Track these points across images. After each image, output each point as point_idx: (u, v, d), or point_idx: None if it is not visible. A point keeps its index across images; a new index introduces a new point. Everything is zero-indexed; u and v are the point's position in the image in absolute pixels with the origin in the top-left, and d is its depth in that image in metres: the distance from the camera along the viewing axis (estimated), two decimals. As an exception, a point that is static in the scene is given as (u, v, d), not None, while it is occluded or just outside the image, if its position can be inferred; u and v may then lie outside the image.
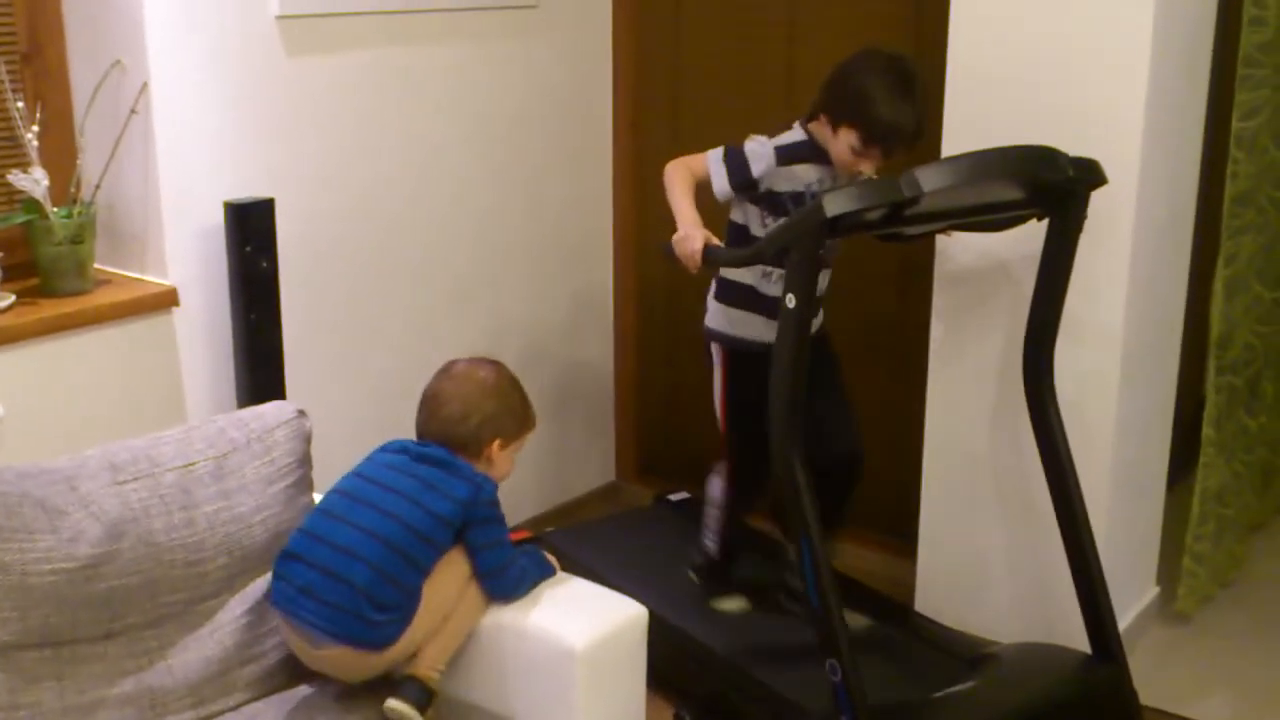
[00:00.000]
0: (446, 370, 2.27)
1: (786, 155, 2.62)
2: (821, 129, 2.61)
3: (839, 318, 2.91)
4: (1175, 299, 3.03)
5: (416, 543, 2.07)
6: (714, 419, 2.89)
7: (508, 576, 2.15)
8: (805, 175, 2.63)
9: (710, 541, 2.97)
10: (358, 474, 2.18)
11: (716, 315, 2.80)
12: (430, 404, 2.23)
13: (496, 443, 2.21)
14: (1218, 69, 2.99)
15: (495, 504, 2.16)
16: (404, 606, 2.06)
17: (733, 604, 2.97)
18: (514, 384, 2.29)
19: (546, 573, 2.22)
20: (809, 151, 2.63)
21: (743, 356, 2.77)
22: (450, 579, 2.12)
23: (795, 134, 2.65)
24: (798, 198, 2.63)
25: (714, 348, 2.83)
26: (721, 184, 2.62)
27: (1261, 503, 3.60)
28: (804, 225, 2.28)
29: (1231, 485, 3.26)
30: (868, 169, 2.58)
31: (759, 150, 2.61)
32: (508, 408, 2.25)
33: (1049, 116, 2.67)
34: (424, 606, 2.08)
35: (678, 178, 2.63)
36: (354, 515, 2.09)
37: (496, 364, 2.30)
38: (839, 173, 2.64)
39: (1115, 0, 2.58)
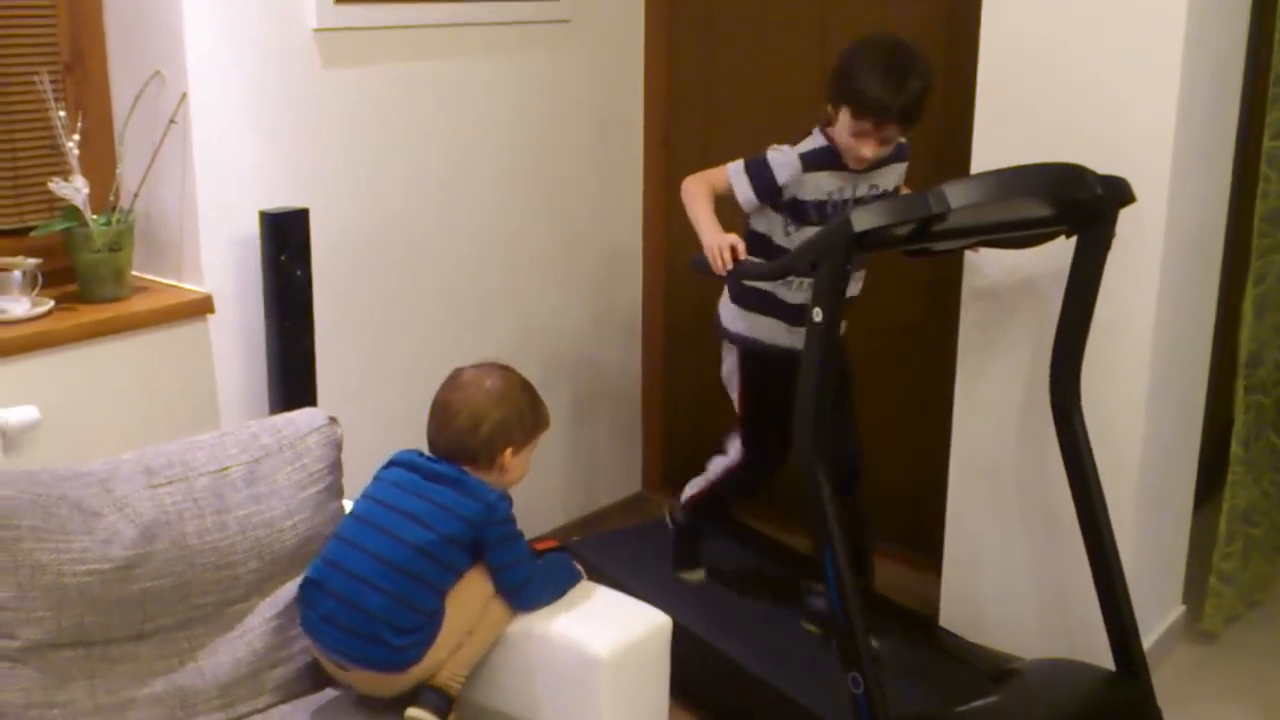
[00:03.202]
0: (454, 379, 2.24)
1: (811, 162, 2.62)
2: (834, 125, 2.61)
3: (866, 331, 2.91)
4: (1204, 317, 3.02)
5: (430, 565, 2.08)
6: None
7: (530, 590, 2.16)
8: (827, 183, 2.63)
9: (696, 489, 3.01)
10: (371, 497, 2.18)
11: (733, 317, 2.81)
12: (440, 415, 2.21)
13: (509, 450, 2.20)
14: (1249, 88, 2.99)
15: (510, 521, 2.15)
16: (425, 628, 2.07)
17: (695, 575, 3.08)
18: (523, 387, 2.25)
19: (574, 579, 2.23)
20: (830, 158, 2.63)
21: (757, 356, 2.79)
22: (474, 596, 2.12)
23: (816, 139, 2.65)
24: (820, 206, 2.63)
25: (728, 346, 2.86)
26: (746, 194, 2.62)
27: (1290, 523, 3.58)
28: (832, 240, 2.29)
29: (1260, 505, 3.25)
30: (868, 151, 2.55)
31: (782, 159, 2.61)
32: (517, 413, 2.21)
33: (1078, 134, 2.67)
34: (448, 624, 2.09)
35: (698, 192, 2.64)
36: (367, 541, 2.10)
37: (504, 369, 2.26)
38: (848, 162, 2.61)
39: (1146, 18, 2.58)
